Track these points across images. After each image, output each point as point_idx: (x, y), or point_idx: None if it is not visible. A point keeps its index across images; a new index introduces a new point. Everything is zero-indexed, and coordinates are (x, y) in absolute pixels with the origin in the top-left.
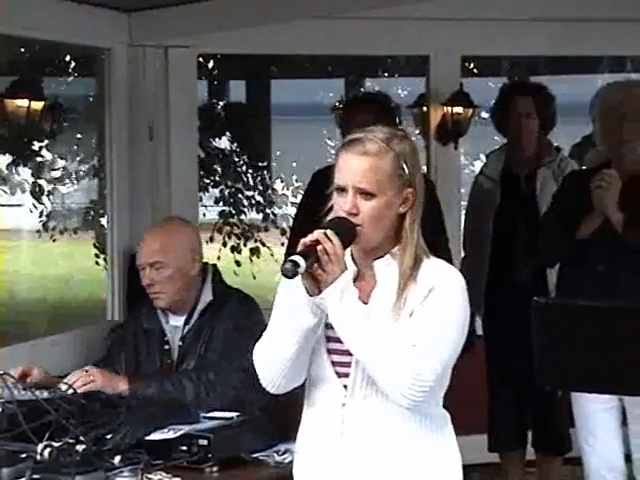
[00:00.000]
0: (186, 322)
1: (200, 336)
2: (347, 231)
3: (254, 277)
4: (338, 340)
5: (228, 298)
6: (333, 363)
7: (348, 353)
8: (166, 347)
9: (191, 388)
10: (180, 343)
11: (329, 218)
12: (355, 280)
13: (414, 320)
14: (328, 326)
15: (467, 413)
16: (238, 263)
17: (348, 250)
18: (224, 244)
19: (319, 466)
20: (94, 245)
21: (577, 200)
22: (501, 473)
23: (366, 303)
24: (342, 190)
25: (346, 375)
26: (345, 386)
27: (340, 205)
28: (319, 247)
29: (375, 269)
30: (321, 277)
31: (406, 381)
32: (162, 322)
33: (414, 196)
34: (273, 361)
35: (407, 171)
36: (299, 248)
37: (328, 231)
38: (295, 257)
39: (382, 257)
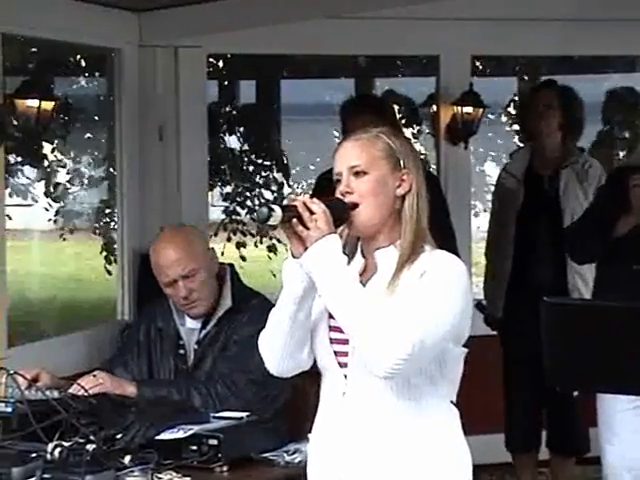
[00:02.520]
0: (203, 326)
1: (217, 341)
2: (338, 207)
3: (274, 275)
4: (339, 330)
5: (247, 303)
6: (335, 353)
7: (348, 342)
8: (181, 351)
9: (199, 400)
10: (196, 347)
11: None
12: (362, 273)
13: (406, 296)
14: (331, 315)
15: (478, 413)
16: (243, 259)
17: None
18: (228, 239)
19: (324, 455)
20: (102, 246)
21: (616, 198)
22: (513, 473)
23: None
24: (339, 180)
25: (347, 365)
26: (345, 375)
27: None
28: (298, 203)
29: (377, 258)
30: (305, 234)
31: (385, 349)
32: (177, 324)
33: (410, 178)
34: (272, 339)
35: (400, 157)
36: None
37: (314, 199)
38: (272, 206)
39: (386, 247)
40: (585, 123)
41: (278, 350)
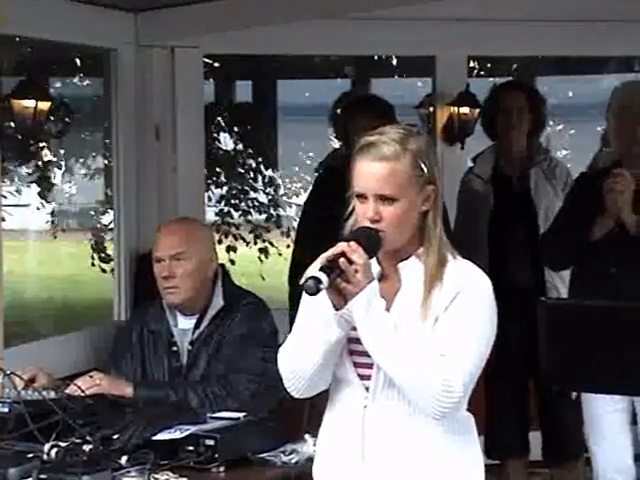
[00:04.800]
0: (196, 326)
1: (210, 341)
2: (372, 240)
3: (263, 278)
4: (360, 341)
5: (239, 302)
6: (355, 364)
7: (370, 354)
8: (174, 348)
9: (196, 401)
10: (189, 347)
11: (352, 229)
12: (379, 281)
13: (441, 328)
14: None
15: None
16: (232, 262)
17: None
18: (219, 241)
19: (340, 468)
20: (92, 246)
21: (589, 201)
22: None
23: (390, 305)
24: (362, 197)
25: (368, 377)
26: (367, 388)
27: (362, 212)
28: (341, 260)
29: (400, 271)
30: (346, 290)
31: (435, 393)
32: (170, 324)
33: (435, 193)
34: (298, 371)
35: (426, 169)
36: (321, 263)
37: (352, 243)
38: (316, 273)
39: (407, 259)
40: (547, 121)
41: (303, 381)
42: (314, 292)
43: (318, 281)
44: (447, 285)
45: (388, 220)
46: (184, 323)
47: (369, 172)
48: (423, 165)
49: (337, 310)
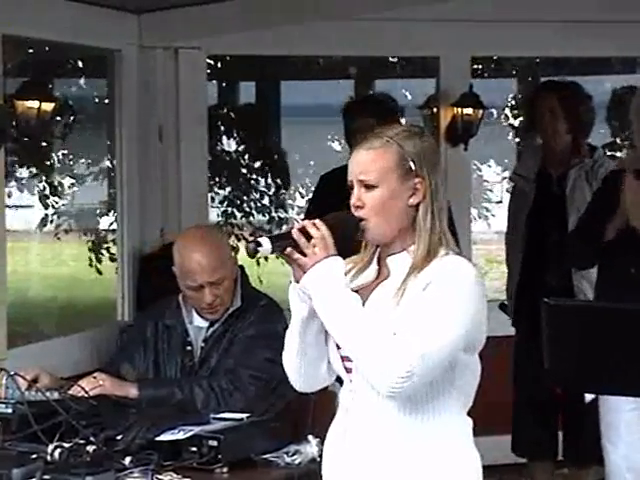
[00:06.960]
0: (211, 324)
1: (222, 339)
2: (346, 222)
3: (260, 281)
4: None
5: (256, 303)
6: (342, 358)
7: None
8: (188, 348)
9: (201, 396)
10: (203, 344)
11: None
12: (376, 278)
13: (406, 312)
14: None
15: (488, 414)
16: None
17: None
18: None
19: (328, 463)
20: (95, 247)
21: (613, 202)
22: (525, 475)
23: (370, 294)
24: (351, 187)
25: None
26: (351, 381)
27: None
28: (293, 230)
29: (389, 265)
30: (301, 261)
31: (383, 367)
32: (186, 321)
33: (424, 186)
34: (289, 359)
35: (412, 163)
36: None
37: (317, 220)
38: (260, 239)
39: (398, 253)
40: (594, 117)
41: (296, 369)
42: (252, 254)
43: (257, 244)
44: (424, 274)
45: (369, 206)
46: (199, 321)
47: (355, 160)
48: (409, 158)
49: (297, 283)
